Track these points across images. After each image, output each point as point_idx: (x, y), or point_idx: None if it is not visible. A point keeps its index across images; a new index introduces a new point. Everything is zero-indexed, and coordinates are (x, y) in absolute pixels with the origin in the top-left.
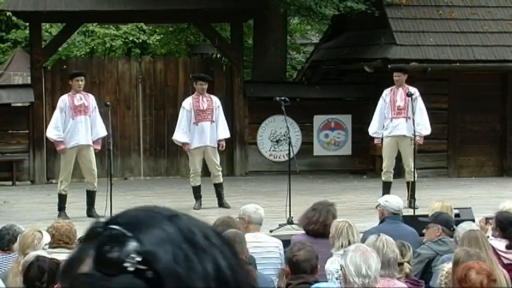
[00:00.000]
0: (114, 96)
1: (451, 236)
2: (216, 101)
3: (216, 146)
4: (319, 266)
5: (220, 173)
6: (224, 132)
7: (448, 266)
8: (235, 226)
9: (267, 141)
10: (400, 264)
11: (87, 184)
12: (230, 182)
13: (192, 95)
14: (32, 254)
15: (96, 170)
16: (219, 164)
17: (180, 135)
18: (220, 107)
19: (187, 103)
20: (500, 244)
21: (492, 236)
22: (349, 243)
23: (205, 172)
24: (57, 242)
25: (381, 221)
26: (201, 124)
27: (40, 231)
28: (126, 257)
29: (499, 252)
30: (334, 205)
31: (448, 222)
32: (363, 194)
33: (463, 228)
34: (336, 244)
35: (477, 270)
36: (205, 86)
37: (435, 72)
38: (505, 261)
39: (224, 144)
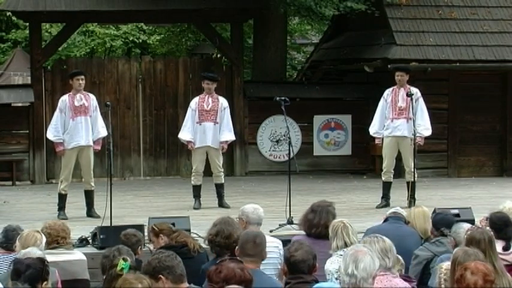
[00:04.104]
0: (114, 96)
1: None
2: (223, 102)
3: (219, 147)
4: (317, 265)
5: (221, 174)
6: (228, 135)
7: (446, 264)
8: (235, 226)
9: (267, 141)
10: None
11: (85, 184)
12: (230, 182)
13: (200, 95)
14: (22, 252)
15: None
16: (221, 165)
17: (184, 134)
18: (227, 109)
19: (194, 102)
20: (496, 245)
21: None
22: (345, 244)
23: (207, 172)
24: (48, 241)
25: (384, 221)
26: (204, 124)
27: (39, 232)
28: None
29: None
30: (333, 204)
31: (436, 224)
32: (363, 194)
33: (461, 228)
34: (332, 245)
35: (472, 270)
36: (212, 86)
37: (435, 72)
38: (503, 263)
39: (225, 147)
